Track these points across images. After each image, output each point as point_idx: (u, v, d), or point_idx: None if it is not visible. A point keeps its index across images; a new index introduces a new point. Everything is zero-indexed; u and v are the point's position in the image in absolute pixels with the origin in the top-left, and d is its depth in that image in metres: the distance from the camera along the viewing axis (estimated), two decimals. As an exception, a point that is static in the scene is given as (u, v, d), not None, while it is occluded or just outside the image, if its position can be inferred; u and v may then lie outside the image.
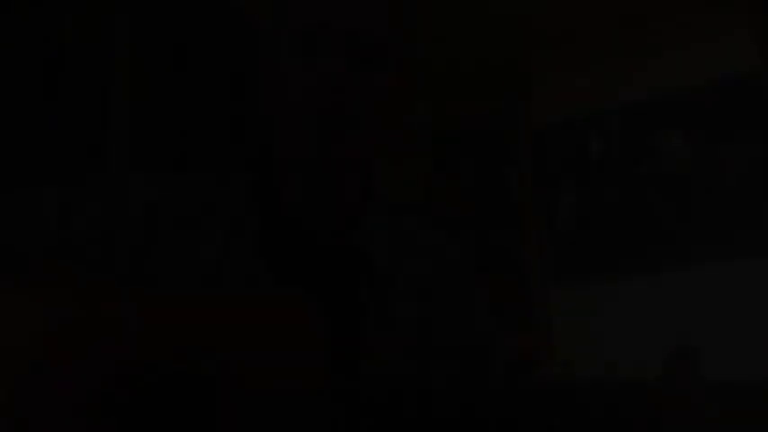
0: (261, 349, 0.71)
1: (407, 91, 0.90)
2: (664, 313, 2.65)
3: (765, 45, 2.91)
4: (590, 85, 3.16)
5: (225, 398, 0.68)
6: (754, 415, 0.60)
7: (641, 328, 2.64)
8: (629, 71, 3.08)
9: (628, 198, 2.96)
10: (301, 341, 0.70)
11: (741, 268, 2.63)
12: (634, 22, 3.06)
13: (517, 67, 3.31)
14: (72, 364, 0.67)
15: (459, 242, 0.97)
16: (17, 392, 0.63)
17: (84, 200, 0.85)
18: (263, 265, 0.81)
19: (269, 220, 0.85)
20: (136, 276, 0.82)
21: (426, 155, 3.52)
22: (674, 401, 0.61)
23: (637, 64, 3.08)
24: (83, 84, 2.13)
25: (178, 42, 2.58)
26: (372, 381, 0.78)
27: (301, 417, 0.64)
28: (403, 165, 3.44)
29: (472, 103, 3.41)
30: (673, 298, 2.68)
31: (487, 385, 0.63)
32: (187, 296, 0.79)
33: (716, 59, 2.91)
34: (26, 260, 0.83)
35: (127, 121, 2.24)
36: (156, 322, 0.76)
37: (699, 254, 2.75)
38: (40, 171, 1.92)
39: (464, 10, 2.96)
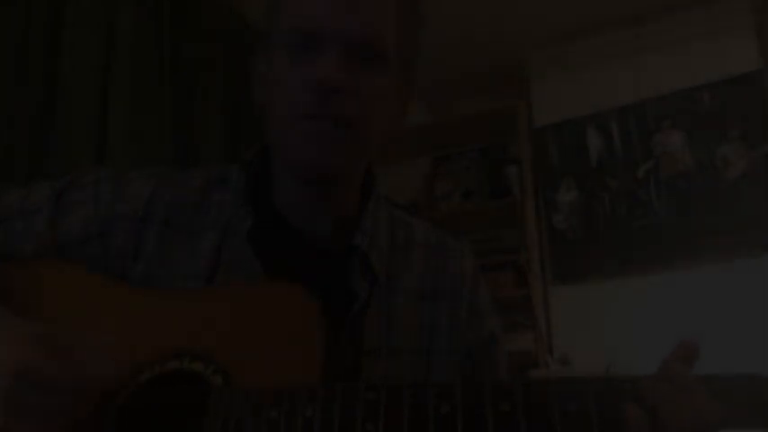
0: (261, 344, 0.71)
1: (407, 91, 0.90)
2: (663, 313, 2.65)
3: (765, 45, 2.91)
4: (590, 85, 3.16)
5: (223, 396, 0.68)
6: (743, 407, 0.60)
7: (641, 328, 2.64)
8: (629, 71, 3.08)
9: (628, 198, 2.96)
10: (301, 337, 0.70)
11: (741, 268, 2.63)
12: (634, 21, 3.06)
13: (517, 67, 3.31)
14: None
15: (459, 242, 0.97)
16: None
17: (83, 199, 0.85)
18: (260, 265, 0.81)
19: (267, 219, 0.85)
20: (134, 276, 0.82)
21: (426, 155, 3.52)
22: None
23: (637, 64, 3.07)
24: (83, 83, 2.13)
25: (177, 41, 2.58)
26: (372, 379, 0.78)
27: (300, 414, 0.64)
28: (403, 165, 3.45)
29: (472, 103, 3.41)
30: (673, 297, 2.68)
31: (487, 384, 0.63)
32: (186, 294, 0.79)
33: (716, 59, 2.91)
34: (26, 259, 0.83)
35: (126, 120, 2.24)
36: (156, 320, 0.76)
37: (699, 254, 2.75)
38: (40, 170, 1.92)
39: (464, 10, 2.96)
